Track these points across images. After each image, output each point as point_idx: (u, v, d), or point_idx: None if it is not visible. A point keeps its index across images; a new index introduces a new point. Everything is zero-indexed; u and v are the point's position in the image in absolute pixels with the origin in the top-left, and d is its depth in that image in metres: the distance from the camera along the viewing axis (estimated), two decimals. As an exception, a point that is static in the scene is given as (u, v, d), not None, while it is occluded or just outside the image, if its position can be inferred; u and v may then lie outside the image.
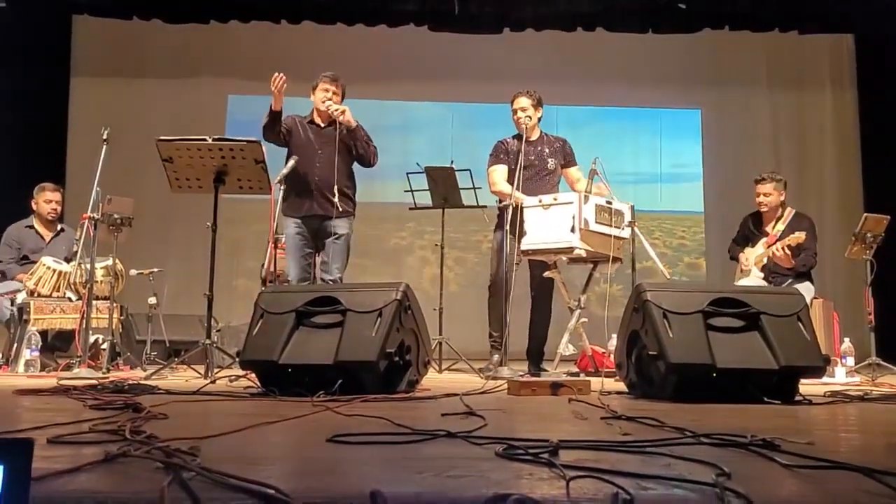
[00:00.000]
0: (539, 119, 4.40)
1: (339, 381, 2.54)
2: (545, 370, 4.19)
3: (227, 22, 7.24)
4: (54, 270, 4.42)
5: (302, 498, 0.95)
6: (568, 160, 4.49)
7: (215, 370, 3.52)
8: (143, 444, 1.34)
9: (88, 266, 4.03)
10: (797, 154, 7.56)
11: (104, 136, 4.05)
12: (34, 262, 4.57)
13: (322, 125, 4.21)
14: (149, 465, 1.16)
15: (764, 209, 4.74)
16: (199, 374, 3.58)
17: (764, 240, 4.72)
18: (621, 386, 2.98)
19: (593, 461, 1.27)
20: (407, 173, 4.86)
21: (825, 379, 3.15)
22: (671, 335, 2.59)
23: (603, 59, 7.41)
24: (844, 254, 4.77)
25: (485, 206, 4.74)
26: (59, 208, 4.91)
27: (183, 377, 3.58)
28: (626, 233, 4.09)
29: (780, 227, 4.68)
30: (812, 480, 1.17)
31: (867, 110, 7.41)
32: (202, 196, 3.95)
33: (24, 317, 4.25)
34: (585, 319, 4.24)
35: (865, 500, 1.02)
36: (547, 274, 4.28)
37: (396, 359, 2.76)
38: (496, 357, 4.24)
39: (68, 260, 4.53)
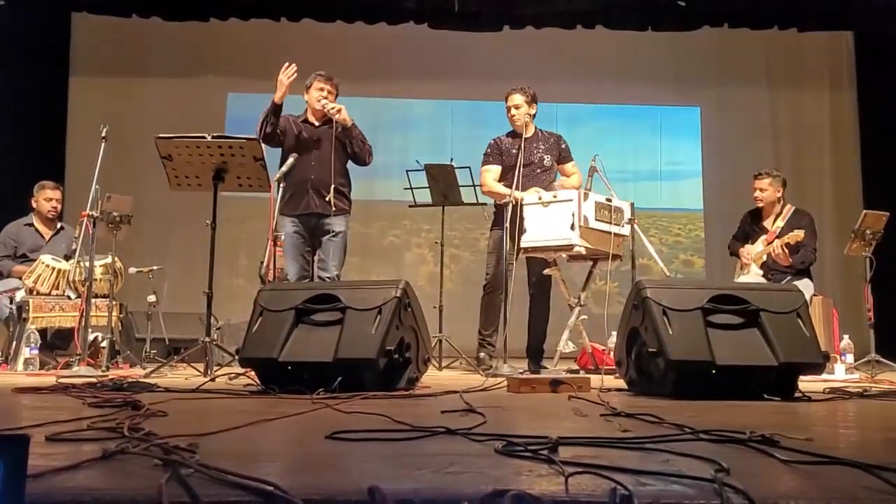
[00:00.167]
0: (533, 115, 4.39)
1: (339, 379, 2.54)
2: (545, 367, 4.20)
3: (227, 19, 7.23)
4: (53, 268, 4.42)
5: (301, 494, 0.95)
6: (563, 156, 4.47)
7: (215, 368, 3.52)
8: (141, 441, 1.34)
9: (88, 264, 4.03)
10: (796, 151, 7.55)
11: (103, 134, 4.05)
12: (33, 261, 4.57)
13: (317, 124, 4.22)
14: (147, 462, 1.16)
15: (760, 204, 4.74)
16: (199, 371, 3.58)
17: (763, 237, 4.72)
18: (621, 383, 2.98)
19: (592, 457, 1.27)
20: (407, 171, 4.86)
21: (824, 376, 3.15)
22: (671, 332, 2.59)
23: (602, 56, 7.41)
24: (844, 251, 4.77)
25: (484, 204, 4.74)
26: (59, 207, 4.92)
27: (182, 375, 3.58)
28: (625, 230, 4.08)
29: (780, 223, 4.68)
30: (811, 476, 1.17)
31: (866, 107, 7.41)
32: (201, 194, 3.95)
33: (24, 315, 4.25)
34: (585, 317, 4.24)
35: (864, 495, 1.02)
36: (547, 271, 4.28)
37: (396, 356, 2.76)
38: (483, 355, 4.26)
39: (67, 258, 4.53)
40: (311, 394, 2.41)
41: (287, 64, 4.00)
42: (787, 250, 4.45)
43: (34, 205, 4.88)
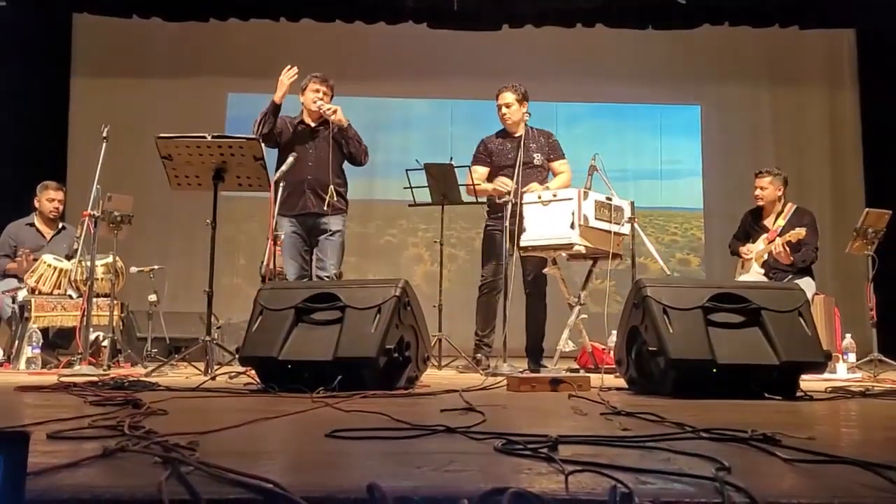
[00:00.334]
0: (524, 114, 4.38)
1: (339, 378, 2.53)
2: (545, 367, 4.19)
3: (227, 20, 7.24)
4: (55, 268, 4.42)
5: (301, 492, 0.94)
6: (553, 154, 4.43)
7: (215, 367, 3.52)
8: (141, 439, 1.34)
9: (89, 263, 4.03)
10: (798, 149, 7.54)
11: (104, 134, 4.05)
12: (35, 260, 4.57)
13: (313, 125, 4.27)
14: (147, 459, 1.16)
15: (760, 202, 4.74)
16: (199, 370, 3.58)
17: (764, 235, 4.72)
18: (621, 382, 2.98)
19: (592, 456, 1.27)
20: (406, 170, 4.85)
21: (826, 375, 3.15)
22: (671, 331, 2.59)
23: (602, 55, 7.40)
24: (846, 249, 4.77)
25: (484, 203, 4.73)
26: (61, 207, 4.92)
27: (183, 374, 3.58)
28: (625, 229, 4.08)
29: (781, 222, 4.67)
30: (812, 474, 1.17)
31: (868, 105, 7.41)
32: (202, 193, 3.95)
33: (26, 314, 4.26)
34: (585, 316, 4.24)
35: (865, 493, 1.01)
36: (547, 270, 4.28)
37: (396, 355, 2.75)
38: (480, 356, 4.26)
39: (69, 257, 4.53)
40: (310, 392, 2.41)
41: (289, 66, 4.06)
42: (788, 248, 4.44)
43: (36, 205, 4.89)
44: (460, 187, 4.66)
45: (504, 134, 4.45)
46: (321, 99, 4.18)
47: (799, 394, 2.61)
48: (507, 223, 4.06)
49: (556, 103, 7.45)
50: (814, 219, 4.69)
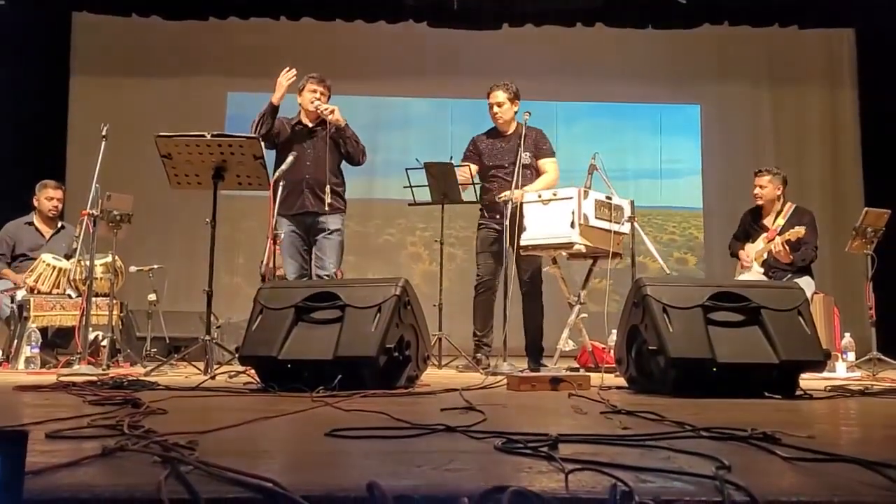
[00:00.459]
0: (515, 112, 4.38)
1: (339, 377, 2.53)
2: (545, 366, 4.19)
3: (226, 18, 7.24)
4: (54, 267, 4.42)
5: (300, 491, 0.94)
6: (539, 152, 4.37)
7: (215, 366, 3.52)
8: (140, 438, 1.33)
9: (88, 263, 4.03)
10: (797, 149, 7.55)
11: (103, 133, 4.05)
12: (33, 260, 4.57)
13: (310, 125, 4.29)
14: (146, 459, 1.16)
15: (759, 202, 4.74)
16: (199, 370, 3.58)
17: (764, 235, 4.72)
18: (621, 381, 2.98)
19: (592, 454, 1.26)
20: (406, 169, 4.85)
21: (826, 374, 3.15)
22: (671, 330, 2.59)
23: (602, 54, 7.40)
24: (845, 249, 4.76)
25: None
26: (59, 206, 4.92)
27: (182, 373, 3.58)
28: (625, 228, 4.08)
29: (781, 221, 4.67)
30: (812, 473, 1.17)
31: (867, 105, 7.41)
32: (201, 192, 3.95)
33: (25, 314, 4.26)
34: (585, 315, 4.24)
35: (865, 491, 1.01)
36: (547, 269, 4.28)
37: (396, 354, 2.75)
38: (480, 356, 4.26)
39: (68, 257, 4.53)
40: (310, 392, 2.41)
41: (287, 68, 4.09)
42: (787, 247, 4.44)
43: (35, 203, 4.89)
44: (460, 187, 4.67)
45: (495, 133, 4.45)
46: (318, 99, 4.20)
47: (798, 392, 2.61)
48: (507, 222, 4.06)
49: (556, 102, 7.45)
50: (813, 218, 4.70)
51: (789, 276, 4.49)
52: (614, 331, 3.53)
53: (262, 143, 3.95)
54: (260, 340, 2.80)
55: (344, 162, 4.36)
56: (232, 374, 3.21)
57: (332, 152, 4.20)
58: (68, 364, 3.90)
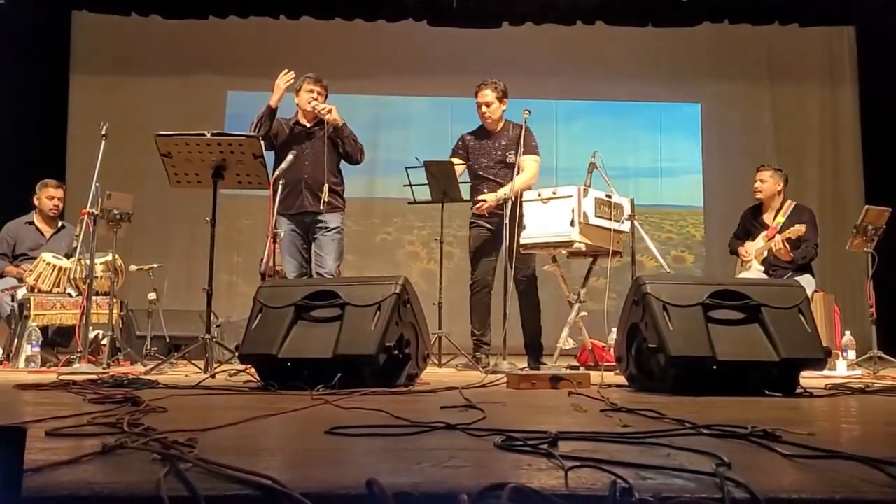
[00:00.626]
0: (504, 111, 4.38)
1: (339, 375, 2.53)
2: (545, 364, 4.20)
3: (226, 17, 7.23)
4: (54, 266, 4.42)
5: (299, 488, 0.94)
6: (525, 150, 4.27)
7: (215, 365, 3.52)
8: (140, 436, 1.33)
9: (88, 262, 4.03)
10: (797, 147, 7.54)
11: (103, 132, 4.05)
12: (34, 259, 4.57)
13: (308, 125, 4.30)
14: (146, 456, 1.15)
15: (759, 196, 4.75)
16: (199, 368, 3.59)
17: (764, 233, 4.71)
18: (621, 379, 2.98)
19: (592, 452, 1.26)
20: (406, 167, 4.85)
21: (826, 372, 3.15)
22: (671, 328, 2.59)
23: (602, 52, 7.40)
24: (845, 247, 4.76)
25: (483, 201, 4.72)
26: (60, 205, 4.92)
27: (182, 372, 3.58)
28: (625, 226, 4.08)
29: (781, 219, 4.67)
30: (813, 470, 1.17)
31: (868, 102, 7.40)
32: (201, 191, 3.95)
33: (25, 312, 4.26)
34: (585, 313, 4.24)
35: (865, 488, 1.01)
36: (546, 268, 4.28)
37: (395, 352, 2.75)
38: (480, 355, 4.26)
39: (68, 256, 4.53)
40: (310, 390, 2.41)
41: (285, 70, 4.11)
42: (788, 245, 4.44)
43: (36, 202, 4.89)
44: (461, 185, 4.67)
45: (483, 132, 4.45)
46: (315, 99, 4.22)
47: (799, 390, 2.61)
48: (507, 220, 4.06)
49: (556, 101, 7.45)
50: (813, 216, 4.70)
51: (790, 274, 4.49)
52: (614, 329, 3.53)
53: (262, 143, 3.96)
54: (260, 339, 2.80)
55: (343, 161, 4.36)
56: (232, 372, 3.21)
57: (331, 152, 4.22)
58: (68, 363, 3.90)
